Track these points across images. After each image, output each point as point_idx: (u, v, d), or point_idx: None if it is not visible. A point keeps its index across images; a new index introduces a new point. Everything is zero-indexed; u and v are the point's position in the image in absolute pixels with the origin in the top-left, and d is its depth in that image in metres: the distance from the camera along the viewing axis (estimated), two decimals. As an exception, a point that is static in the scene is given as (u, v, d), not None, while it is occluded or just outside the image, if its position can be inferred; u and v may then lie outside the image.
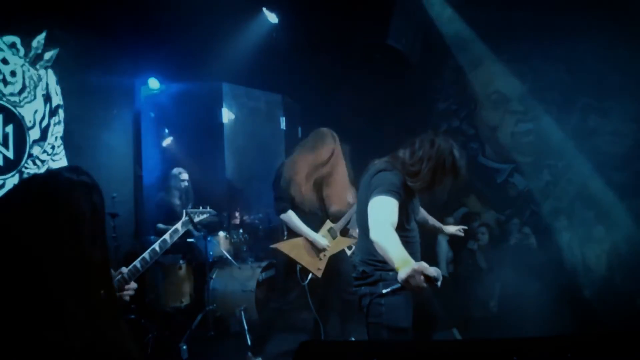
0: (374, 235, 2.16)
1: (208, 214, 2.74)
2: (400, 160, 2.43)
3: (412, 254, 2.36)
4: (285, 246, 3.57)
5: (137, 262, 2.17)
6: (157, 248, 2.28)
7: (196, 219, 2.62)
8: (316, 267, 3.59)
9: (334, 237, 3.71)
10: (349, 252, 3.92)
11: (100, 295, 1.76)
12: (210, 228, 4.80)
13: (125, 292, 2.09)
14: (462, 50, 5.97)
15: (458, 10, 5.57)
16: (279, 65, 5.99)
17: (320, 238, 3.62)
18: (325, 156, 3.53)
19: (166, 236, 2.36)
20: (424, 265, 1.91)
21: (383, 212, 2.22)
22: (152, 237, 4.81)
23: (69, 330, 1.58)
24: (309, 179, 3.54)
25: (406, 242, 2.41)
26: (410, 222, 2.51)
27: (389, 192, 2.26)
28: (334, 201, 3.61)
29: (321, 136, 3.61)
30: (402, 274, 1.92)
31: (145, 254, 2.22)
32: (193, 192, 5.22)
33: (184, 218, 2.53)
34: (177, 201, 5.00)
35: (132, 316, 4.17)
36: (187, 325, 4.38)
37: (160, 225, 4.83)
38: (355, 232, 3.81)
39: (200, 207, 2.78)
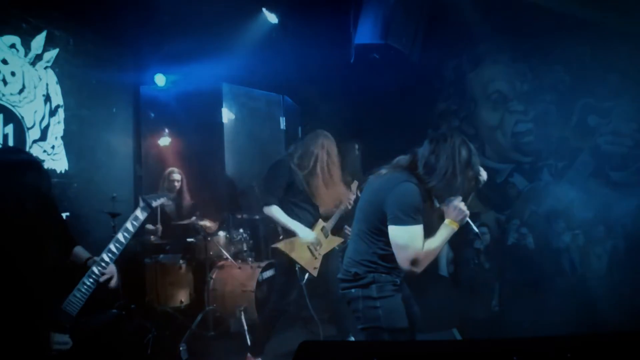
0: (419, 268, 2.23)
1: (165, 197, 2.80)
2: (413, 165, 2.37)
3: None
4: (286, 246, 3.59)
5: (104, 254, 2.25)
6: (122, 238, 2.35)
7: (154, 204, 2.64)
8: (313, 266, 3.64)
9: (326, 236, 3.76)
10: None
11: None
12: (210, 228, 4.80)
13: (103, 278, 2.18)
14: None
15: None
16: (279, 65, 5.99)
17: (307, 232, 3.61)
18: (310, 158, 3.60)
19: (128, 224, 2.43)
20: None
21: (417, 243, 2.23)
22: (152, 237, 4.81)
23: None
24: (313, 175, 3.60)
25: None
26: None
27: (415, 220, 2.23)
28: (319, 202, 3.65)
29: (312, 138, 3.70)
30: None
31: (111, 245, 2.29)
32: (189, 192, 5.22)
33: (141, 203, 2.56)
34: (165, 201, 4.98)
35: (115, 311, 4.14)
36: (187, 325, 4.38)
37: (149, 226, 4.86)
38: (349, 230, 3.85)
39: (164, 197, 2.85)
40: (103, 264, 2.23)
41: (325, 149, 3.64)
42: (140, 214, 2.49)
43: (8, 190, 1.90)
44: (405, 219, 2.22)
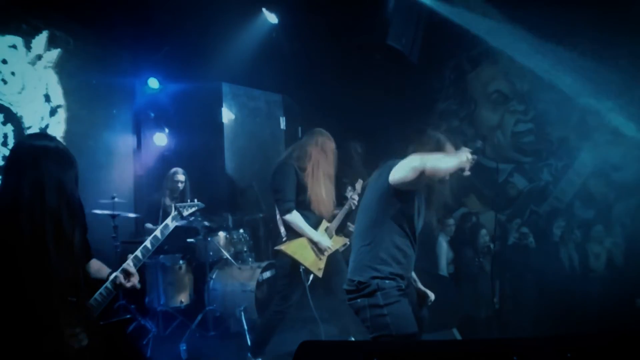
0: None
1: (196, 207, 2.67)
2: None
3: (407, 269, 2.42)
4: (290, 248, 3.57)
5: (129, 261, 2.18)
6: (149, 245, 2.28)
7: (185, 213, 2.58)
8: (317, 267, 3.61)
9: (330, 237, 3.74)
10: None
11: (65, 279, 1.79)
12: (210, 228, 4.79)
13: (129, 284, 2.13)
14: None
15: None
16: (279, 65, 5.99)
17: (325, 239, 3.63)
18: (306, 157, 3.58)
19: (157, 232, 2.35)
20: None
21: (422, 159, 2.23)
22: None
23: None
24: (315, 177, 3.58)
25: (405, 254, 2.41)
26: (416, 221, 2.46)
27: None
28: (313, 204, 3.60)
29: (309, 137, 3.69)
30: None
31: (138, 252, 2.23)
32: (191, 192, 5.20)
33: (173, 212, 2.51)
34: (168, 201, 4.94)
35: (128, 315, 4.15)
36: (187, 325, 4.38)
37: (149, 225, 4.81)
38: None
39: (188, 201, 2.72)
40: (127, 269, 2.18)
41: (319, 147, 3.61)
42: (170, 223, 2.43)
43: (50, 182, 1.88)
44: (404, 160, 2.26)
